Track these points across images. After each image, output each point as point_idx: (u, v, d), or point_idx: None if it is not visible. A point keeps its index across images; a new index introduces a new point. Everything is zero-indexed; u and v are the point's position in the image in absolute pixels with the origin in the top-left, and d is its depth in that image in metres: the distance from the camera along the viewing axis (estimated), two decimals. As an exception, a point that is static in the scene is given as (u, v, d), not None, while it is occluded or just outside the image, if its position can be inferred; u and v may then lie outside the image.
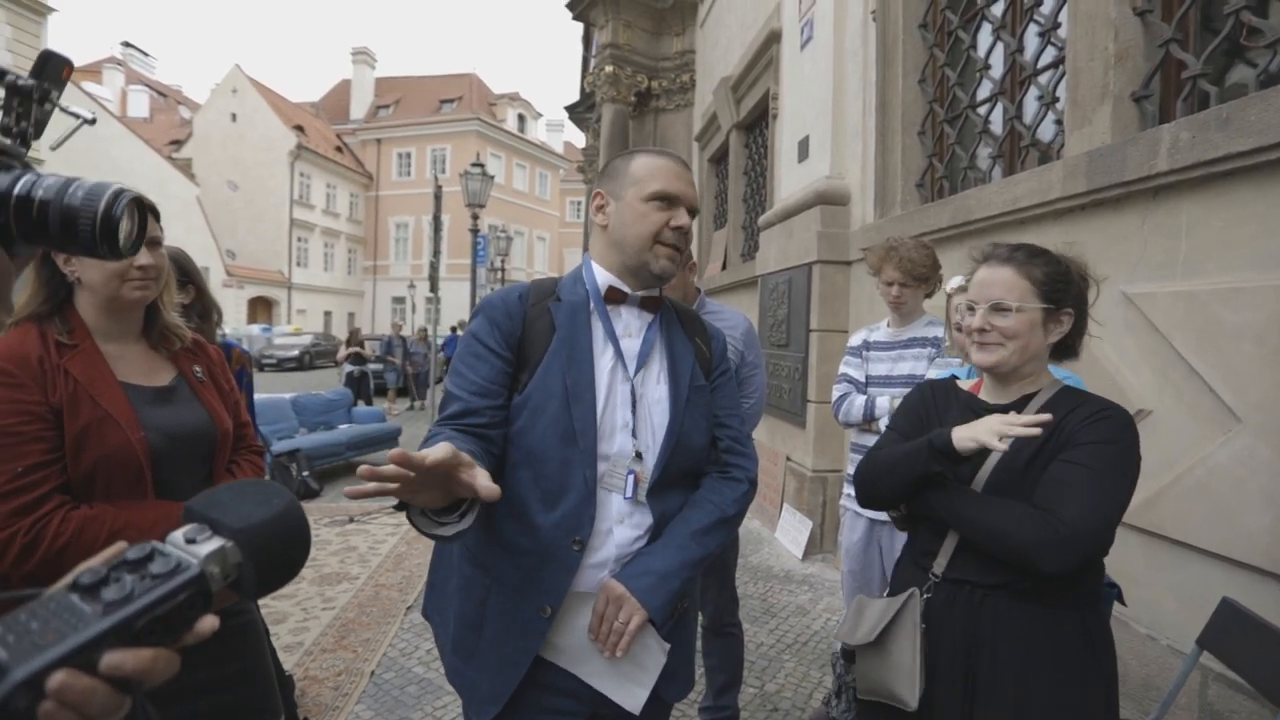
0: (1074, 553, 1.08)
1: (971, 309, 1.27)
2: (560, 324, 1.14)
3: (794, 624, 3.38)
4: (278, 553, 0.53)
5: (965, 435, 1.17)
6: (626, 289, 1.18)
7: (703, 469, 1.24)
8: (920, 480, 1.25)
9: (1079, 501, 1.10)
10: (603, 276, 1.19)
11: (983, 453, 1.25)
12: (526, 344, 1.13)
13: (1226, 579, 1.86)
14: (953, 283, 2.00)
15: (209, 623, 0.47)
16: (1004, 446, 1.11)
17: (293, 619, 3.29)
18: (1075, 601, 1.20)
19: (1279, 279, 1.77)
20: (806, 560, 4.30)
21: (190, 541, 0.49)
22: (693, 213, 1.17)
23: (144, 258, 1.26)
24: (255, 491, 0.55)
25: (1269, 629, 1.47)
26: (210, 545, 0.49)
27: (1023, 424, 1.11)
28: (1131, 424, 1.20)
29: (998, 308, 1.23)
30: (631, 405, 1.14)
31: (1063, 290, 1.24)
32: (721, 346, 1.33)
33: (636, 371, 1.17)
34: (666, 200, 1.14)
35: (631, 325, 1.20)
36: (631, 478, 1.10)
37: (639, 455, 1.12)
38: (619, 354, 1.16)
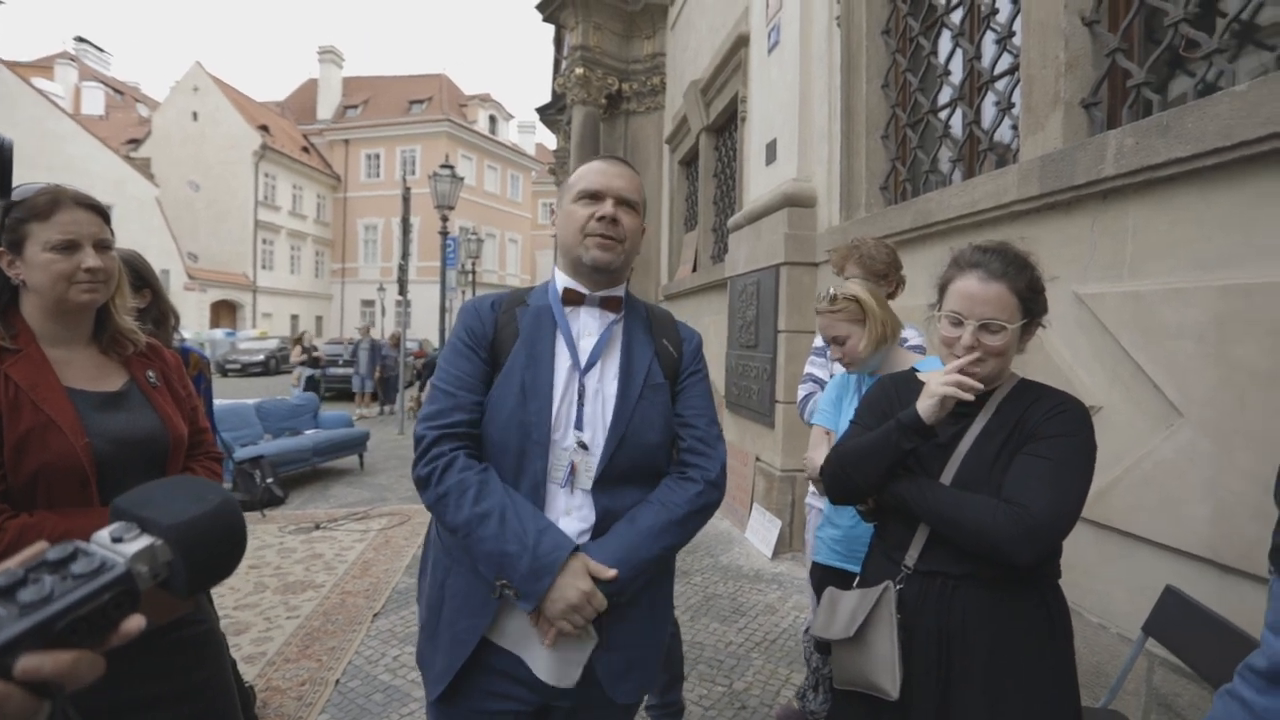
0: (1046, 544, 1.14)
1: (959, 323, 1.26)
2: (524, 327, 1.23)
3: (763, 622, 3.41)
4: (211, 550, 0.52)
5: (924, 404, 1.24)
6: (584, 290, 1.25)
7: (662, 469, 1.25)
8: (893, 464, 1.27)
9: (1047, 495, 1.14)
10: (562, 280, 1.28)
11: (949, 446, 1.28)
12: (496, 347, 1.22)
13: (1171, 568, 1.93)
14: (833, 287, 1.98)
15: (135, 622, 0.45)
16: (968, 395, 1.19)
17: (255, 629, 3.21)
18: (1037, 582, 1.25)
19: (1217, 280, 1.85)
20: (776, 559, 4.34)
21: (117, 540, 0.47)
22: (625, 203, 1.23)
23: (92, 259, 1.23)
24: (188, 488, 0.54)
25: (1209, 615, 1.53)
26: (138, 544, 0.48)
27: (958, 367, 1.22)
28: (1088, 415, 1.25)
29: (988, 328, 1.24)
30: (579, 400, 1.19)
31: (1037, 299, 1.28)
32: (694, 349, 1.36)
33: (588, 369, 1.22)
34: (591, 196, 1.23)
35: (590, 325, 1.26)
36: (569, 467, 1.16)
37: (582, 446, 1.17)
38: (575, 353, 1.22)
